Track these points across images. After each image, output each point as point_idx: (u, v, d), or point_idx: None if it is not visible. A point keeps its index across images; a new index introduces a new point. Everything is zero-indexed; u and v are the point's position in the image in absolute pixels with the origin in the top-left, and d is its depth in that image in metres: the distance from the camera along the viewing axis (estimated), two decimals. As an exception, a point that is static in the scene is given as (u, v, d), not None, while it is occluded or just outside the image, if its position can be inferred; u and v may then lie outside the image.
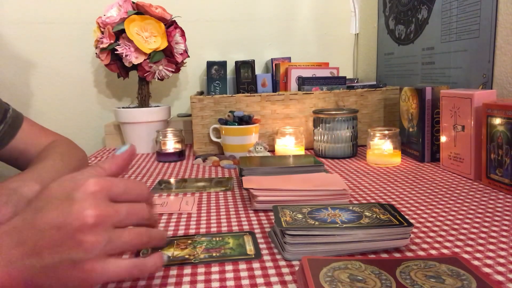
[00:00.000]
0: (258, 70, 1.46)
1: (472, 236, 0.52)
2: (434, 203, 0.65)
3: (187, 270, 0.45)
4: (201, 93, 1.30)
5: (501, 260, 0.45)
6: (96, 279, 0.35)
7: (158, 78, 1.15)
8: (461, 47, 0.94)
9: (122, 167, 0.41)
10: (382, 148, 0.92)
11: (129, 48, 1.06)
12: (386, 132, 0.92)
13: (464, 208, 0.62)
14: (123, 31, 1.05)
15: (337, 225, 0.48)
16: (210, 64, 1.25)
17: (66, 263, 0.34)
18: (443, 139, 0.85)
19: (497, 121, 0.69)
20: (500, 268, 0.44)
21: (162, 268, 0.45)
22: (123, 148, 0.42)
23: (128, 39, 1.05)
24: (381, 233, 0.48)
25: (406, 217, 0.58)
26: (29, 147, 0.76)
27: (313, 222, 0.49)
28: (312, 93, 1.11)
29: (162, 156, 1.05)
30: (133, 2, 1.10)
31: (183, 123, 1.29)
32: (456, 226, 0.55)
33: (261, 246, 0.51)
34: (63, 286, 0.34)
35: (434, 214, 0.60)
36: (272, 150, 1.09)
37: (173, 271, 0.45)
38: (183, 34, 1.15)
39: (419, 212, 0.61)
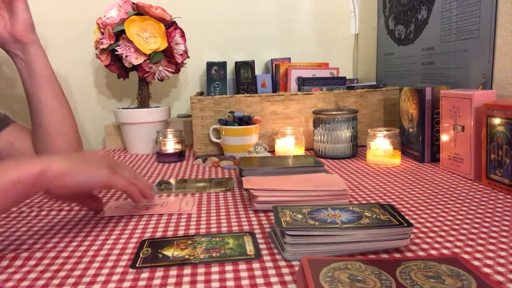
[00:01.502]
0: (258, 70, 1.46)
1: (472, 236, 0.52)
2: (434, 203, 0.65)
3: (187, 270, 0.46)
4: (201, 93, 1.30)
5: (501, 260, 0.45)
6: (112, 177, 0.58)
7: (158, 79, 1.15)
8: (461, 47, 0.94)
9: None
10: (382, 148, 0.92)
11: (129, 49, 1.07)
12: (386, 132, 0.92)
13: (464, 208, 0.62)
14: (123, 31, 1.05)
15: (337, 226, 0.48)
16: (210, 65, 1.25)
17: (98, 165, 0.57)
18: (443, 139, 0.85)
19: (497, 121, 0.69)
20: (500, 268, 0.44)
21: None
22: None
23: (128, 39, 1.05)
24: (381, 233, 0.48)
25: (406, 217, 0.58)
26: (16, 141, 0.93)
27: (313, 223, 0.49)
28: (312, 93, 1.11)
29: (162, 156, 1.05)
30: (133, 3, 1.10)
31: (183, 123, 1.29)
32: (456, 227, 0.55)
33: (261, 246, 0.51)
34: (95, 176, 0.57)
35: (434, 215, 0.60)
36: (272, 151, 1.09)
37: (173, 271, 0.45)
38: (183, 35, 1.15)
39: (419, 212, 0.61)
